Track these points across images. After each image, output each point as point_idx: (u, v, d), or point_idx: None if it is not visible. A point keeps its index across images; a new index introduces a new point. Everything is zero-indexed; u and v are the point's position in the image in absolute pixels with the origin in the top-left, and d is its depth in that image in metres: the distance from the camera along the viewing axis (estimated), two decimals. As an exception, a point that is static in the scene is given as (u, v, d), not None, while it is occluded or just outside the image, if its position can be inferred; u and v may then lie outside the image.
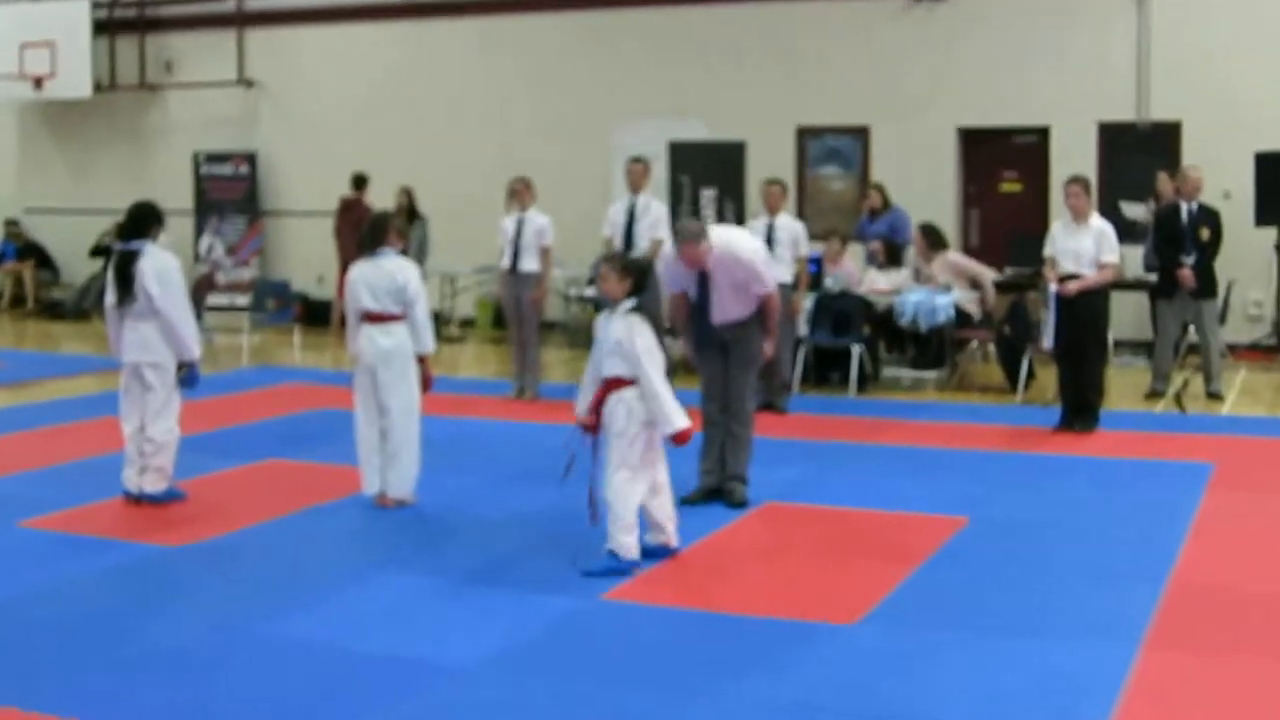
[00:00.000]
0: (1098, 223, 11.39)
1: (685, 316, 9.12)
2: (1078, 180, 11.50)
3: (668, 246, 9.59)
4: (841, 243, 14.68)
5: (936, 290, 13.66)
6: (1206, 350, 13.21)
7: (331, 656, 6.21)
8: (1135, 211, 15.64)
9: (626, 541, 7.50)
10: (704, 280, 8.85)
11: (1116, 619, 6.63)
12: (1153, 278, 14.28)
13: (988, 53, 16.81)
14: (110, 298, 9.06)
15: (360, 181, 17.89)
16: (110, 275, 9.07)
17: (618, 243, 12.73)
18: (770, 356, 9.23)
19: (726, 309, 8.89)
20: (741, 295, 8.86)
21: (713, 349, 9.05)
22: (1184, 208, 13.17)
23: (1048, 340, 11.38)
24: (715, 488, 9.09)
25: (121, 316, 9.02)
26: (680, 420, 7.51)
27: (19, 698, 5.67)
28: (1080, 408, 11.39)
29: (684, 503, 8.71)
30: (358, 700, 5.70)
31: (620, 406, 7.57)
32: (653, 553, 7.70)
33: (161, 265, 8.94)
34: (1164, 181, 14.93)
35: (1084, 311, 11.27)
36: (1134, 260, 15.12)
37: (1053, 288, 11.26)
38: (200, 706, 5.63)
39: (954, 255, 14.34)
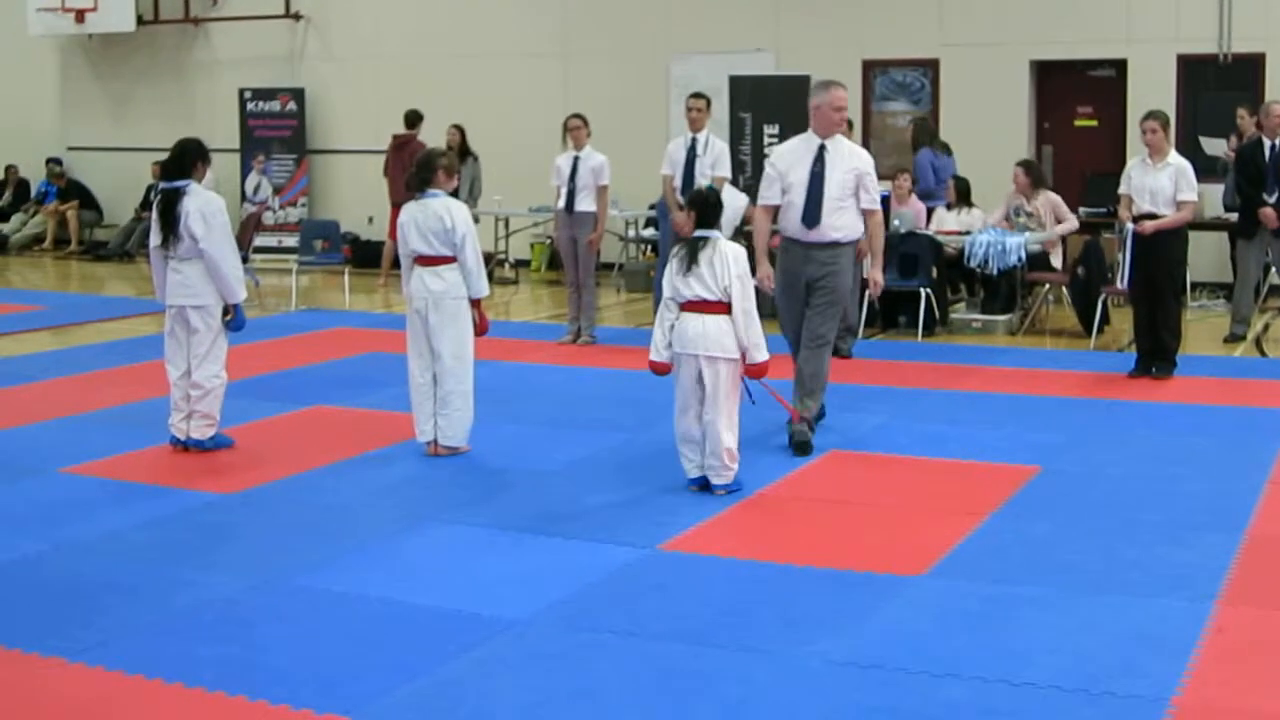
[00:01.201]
0: (1176, 160, 11.06)
1: (767, 231, 9.17)
2: (1155, 115, 11.15)
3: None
4: (912, 181, 14.38)
5: (1009, 231, 13.33)
6: None
7: (382, 609, 6.09)
8: (1216, 148, 15.27)
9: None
10: (818, 168, 8.84)
11: (1192, 572, 6.48)
12: (1233, 217, 13.96)
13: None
14: (154, 239, 8.93)
15: (414, 118, 17.56)
16: (154, 215, 8.89)
17: (677, 181, 12.42)
18: (880, 288, 9.36)
19: (830, 216, 8.84)
20: (847, 199, 8.87)
21: (796, 286, 8.99)
22: (1266, 144, 12.86)
23: (1124, 280, 11.14)
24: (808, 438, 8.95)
25: (165, 258, 8.82)
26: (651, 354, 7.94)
27: (62, 649, 5.59)
28: (1157, 352, 11.08)
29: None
30: (409, 653, 5.59)
31: None
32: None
33: (206, 205, 8.76)
34: (1245, 117, 14.55)
35: (1161, 252, 10.95)
36: (1214, 199, 14.83)
37: (1130, 226, 10.94)
38: (247, 660, 5.53)
39: (1054, 194, 14.01)
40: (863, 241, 12.00)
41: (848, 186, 8.88)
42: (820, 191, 8.85)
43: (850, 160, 8.94)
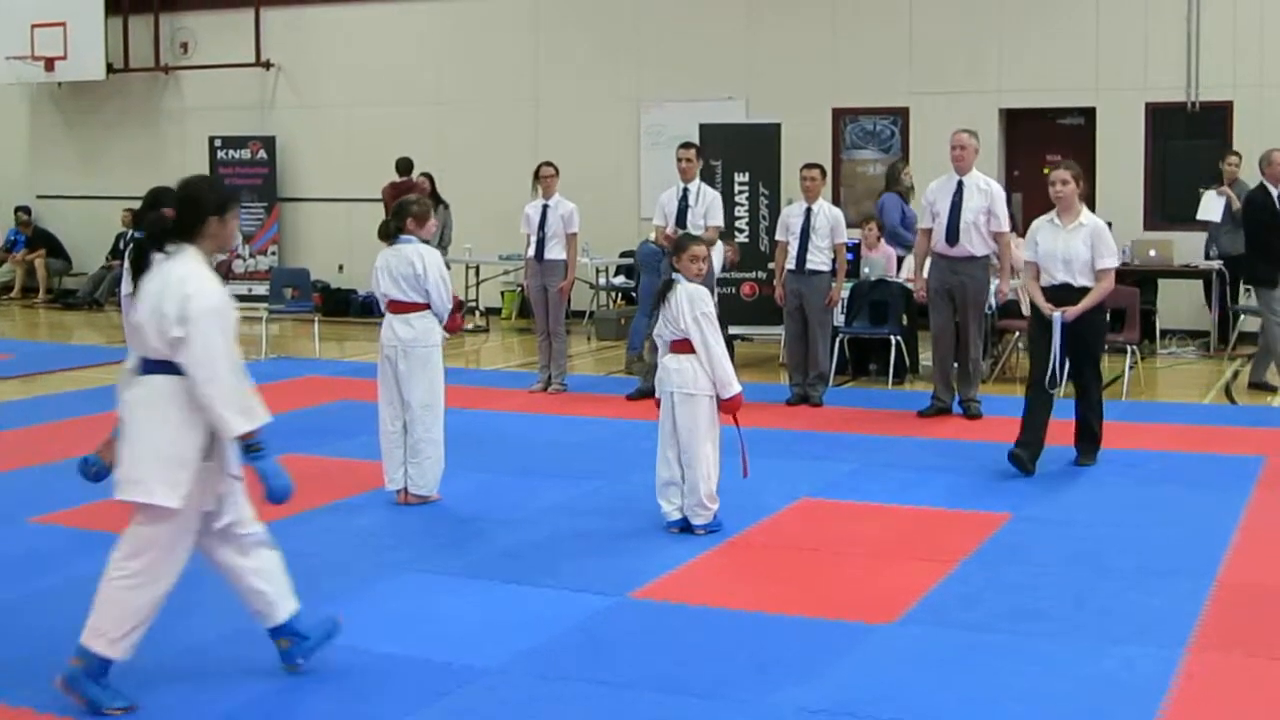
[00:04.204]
0: (1090, 220, 9.48)
1: (925, 250, 11.50)
2: (1066, 166, 9.53)
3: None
4: (879, 227, 14.41)
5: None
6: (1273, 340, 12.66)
7: (352, 657, 6.04)
8: (1214, 207, 14.94)
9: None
10: (957, 199, 11.12)
11: (1162, 619, 6.49)
12: (1214, 265, 13.96)
13: (1031, 31, 16.54)
14: (126, 287, 8.75)
15: (407, 165, 17.54)
16: (126, 264, 8.80)
17: (670, 231, 12.35)
18: (1005, 292, 11.83)
19: (970, 234, 11.12)
20: (980, 222, 11.11)
21: (943, 293, 11.30)
22: (1274, 191, 12.88)
23: (1057, 383, 9.37)
24: (945, 408, 11.45)
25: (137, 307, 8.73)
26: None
27: (31, 699, 5.57)
28: (1081, 435, 9.65)
29: (919, 415, 11.44)
30: (380, 703, 5.58)
31: None
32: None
33: (178, 253, 8.64)
34: (1234, 165, 14.67)
35: (1082, 331, 9.38)
36: (1184, 247, 14.87)
37: (1057, 316, 9.29)
38: (216, 711, 5.51)
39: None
40: (833, 286, 12.25)
41: (980, 212, 11.10)
42: (958, 217, 11.08)
43: (982, 191, 11.20)
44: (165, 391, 5.40)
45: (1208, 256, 14.77)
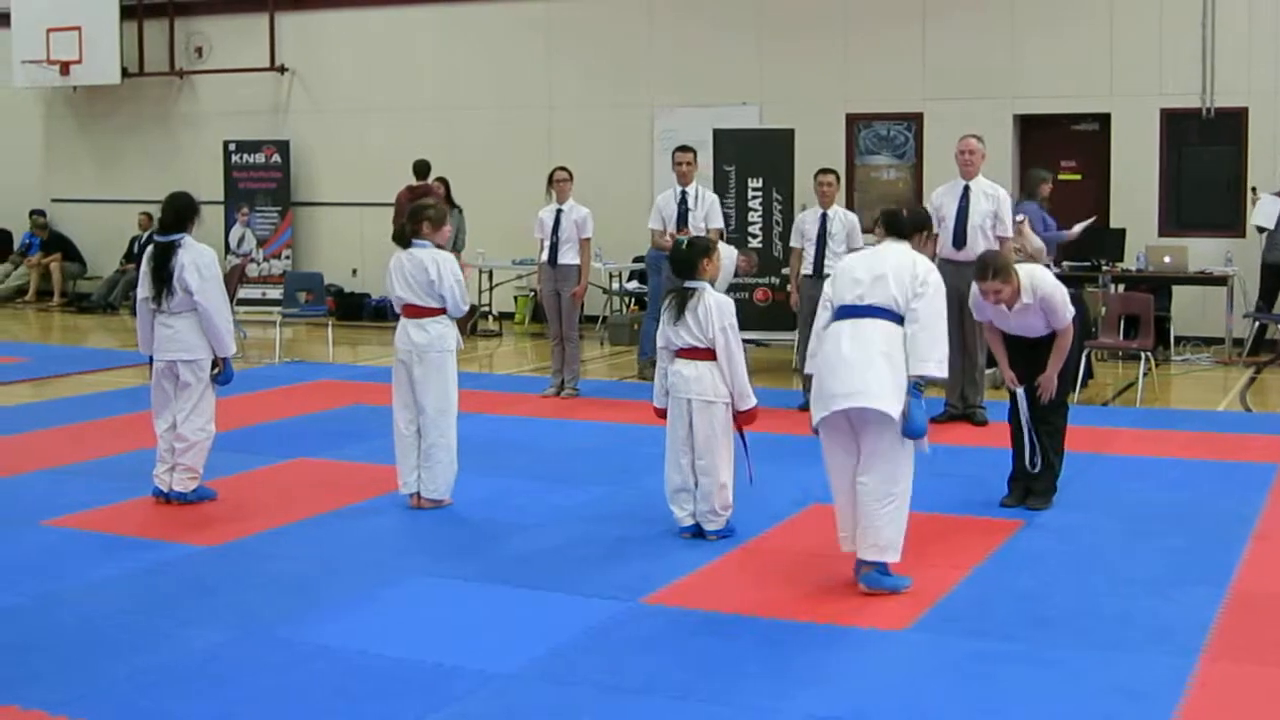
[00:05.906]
0: (1042, 291, 8.37)
1: (931, 253, 12.15)
2: (998, 271, 8.34)
3: None
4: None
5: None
6: None
7: (363, 662, 6.06)
8: (1270, 212, 14.91)
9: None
10: (964, 203, 11.36)
11: (1175, 627, 6.46)
12: (1229, 270, 14.20)
13: (1046, 36, 16.48)
14: (144, 291, 8.83)
15: (425, 168, 17.55)
16: (146, 268, 8.83)
17: (672, 233, 12.36)
18: None
19: (977, 238, 11.19)
20: (986, 227, 11.25)
21: (951, 298, 11.28)
22: None
23: (1033, 463, 8.66)
24: (959, 414, 11.47)
25: (152, 311, 8.76)
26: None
27: (43, 701, 5.56)
28: (1038, 476, 8.73)
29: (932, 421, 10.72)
30: (390, 707, 5.57)
31: None
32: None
33: (200, 257, 8.73)
34: None
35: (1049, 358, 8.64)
36: (1200, 252, 14.84)
37: (1020, 392, 8.64)
38: (227, 713, 5.51)
39: None
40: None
41: (987, 216, 11.28)
42: (965, 221, 11.27)
43: (988, 196, 11.36)
44: (889, 332, 7.00)
45: (1266, 262, 14.76)
